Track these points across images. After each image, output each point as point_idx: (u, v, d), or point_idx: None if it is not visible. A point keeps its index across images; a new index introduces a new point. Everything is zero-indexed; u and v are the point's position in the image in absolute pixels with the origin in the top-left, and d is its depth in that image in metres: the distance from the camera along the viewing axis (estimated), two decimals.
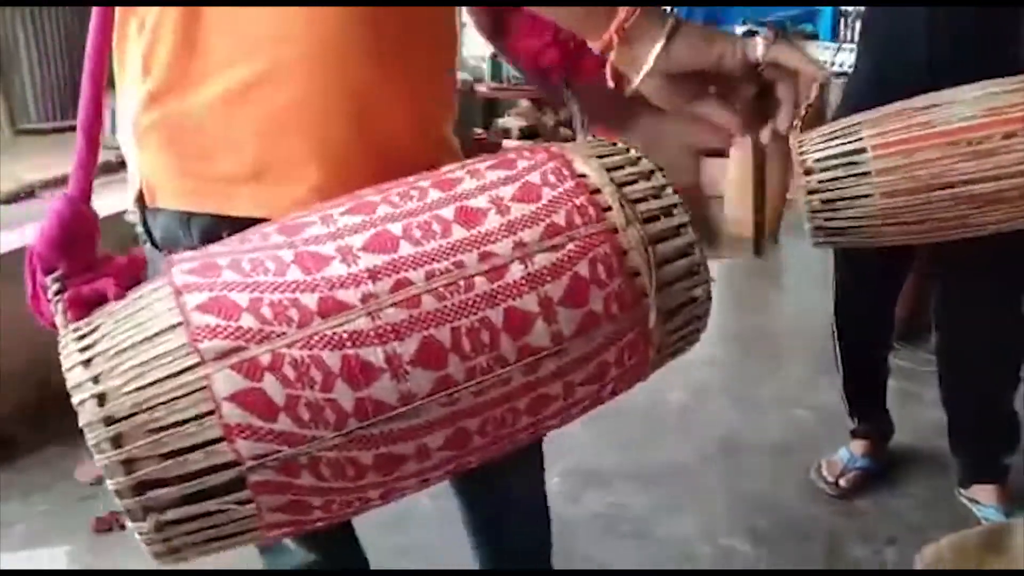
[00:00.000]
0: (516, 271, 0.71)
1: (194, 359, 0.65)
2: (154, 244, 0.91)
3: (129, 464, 0.64)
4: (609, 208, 0.76)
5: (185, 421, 0.64)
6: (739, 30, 6.47)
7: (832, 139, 1.63)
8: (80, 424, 0.64)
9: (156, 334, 0.66)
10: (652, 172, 0.81)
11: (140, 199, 0.92)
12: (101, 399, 0.64)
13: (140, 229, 0.95)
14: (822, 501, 2.04)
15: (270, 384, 0.65)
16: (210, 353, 0.65)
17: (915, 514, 2.00)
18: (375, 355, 0.66)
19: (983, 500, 1.95)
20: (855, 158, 1.59)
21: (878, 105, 1.63)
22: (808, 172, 1.62)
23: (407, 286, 0.68)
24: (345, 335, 0.66)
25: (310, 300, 0.67)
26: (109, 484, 0.64)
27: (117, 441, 0.64)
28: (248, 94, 0.83)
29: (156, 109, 0.86)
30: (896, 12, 1.75)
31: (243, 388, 0.64)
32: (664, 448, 2.25)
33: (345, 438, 0.66)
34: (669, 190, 0.80)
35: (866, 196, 1.57)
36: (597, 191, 0.77)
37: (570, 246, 0.74)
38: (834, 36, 7.02)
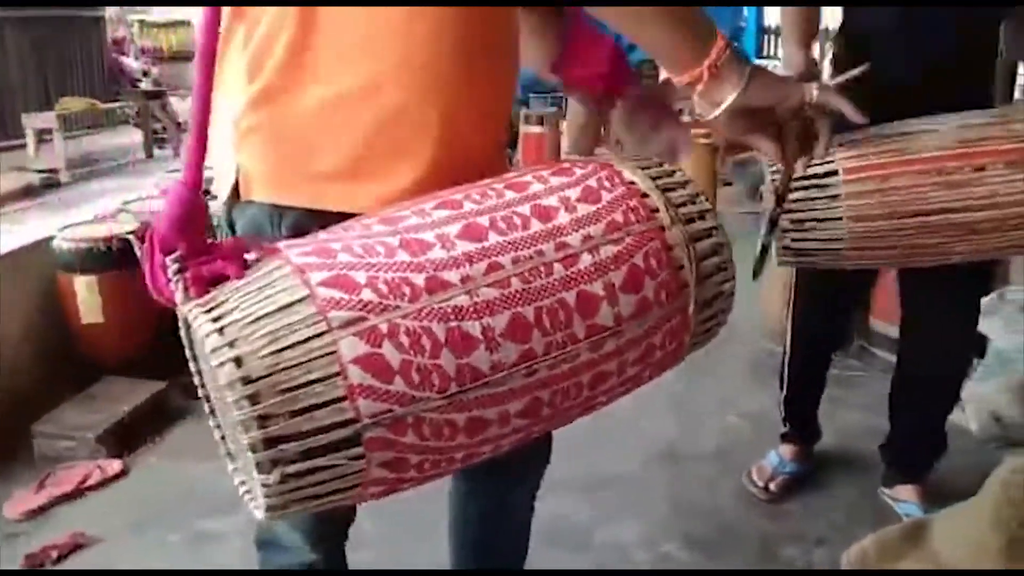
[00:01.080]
0: (586, 260, 0.83)
1: (323, 327, 0.73)
2: (232, 234, 0.99)
3: (263, 420, 0.71)
4: (656, 210, 0.89)
5: (314, 381, 0.72)
6: None
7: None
8: (220, 383, 0.71)
9: (285, 306, 0.74)
10: (687, 182, 0.94)
11: (233, 194, 0.98)
12: (238, 362, 0.72)
13: (224, 224, 1.02)
14: (754, 505, 2.11)
15: (388, 350, 0.74)
16: (337, 321, 0.73)
17: (841, 514, 2.07)
18: (474, 328, 0.76)
19: (904, 498, 2.03)
20: (827, 180, 1.57)
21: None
22: None
23: (498, 269, 0.79)
24: (449, 310, 0.76)
25: (419, 279, 0.77)
26: (244, 439, 0.71)
27: (254, 399, 0.71)
28: (349, 101, 0.90)
29: (260, 111, 0.93)
30: (872, 35, 1.73)
31: (366, 353, 0.73)
32: (606, 459, 2.29)
33: (447, 401, 0.76)
34: (702, 197, 0.93)
35: (835, 219, 1.56)
36: (645, 195, 0.90)
37: (628, 240, 0.86)
38: (758, 53, 7.28)
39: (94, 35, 6.85)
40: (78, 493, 2.15)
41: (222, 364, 0.71)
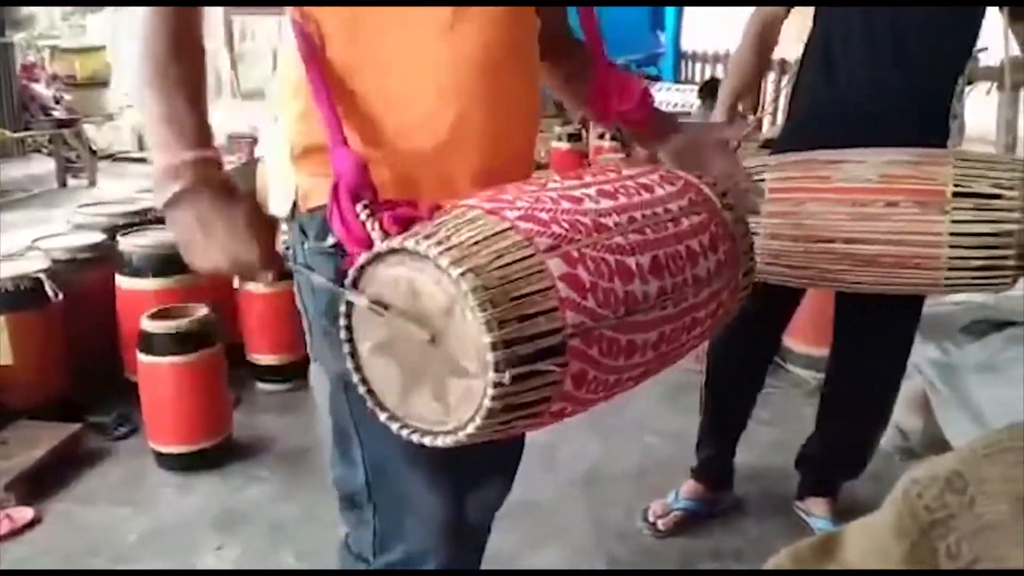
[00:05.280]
0: (685, 223, 1.00)
1: (531, 250, 0.84)
2: (306, 240, 1.06)
3: (501, 324, 0.80)
4: (709, 198, 1.08)
5: (535, 292, 0.82)
6: None
7: None
8: (466, 290, 0.80)
9: (495, 234, 0.85)
10: (715, 182, 1.13)
11: (294, 209, 1.07)
12: (476, 273, 0.81)
13: (295, 236, 1.09)
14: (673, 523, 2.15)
15: (582, 271, 0.86)
16: (542, 246, 0.85)
17: (758, 528, 2.14)
18: (631, 263, 0.91)
19: (816, 512, 2.11)
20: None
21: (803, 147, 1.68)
22: None
23: (636, 220, 0.95)
24: (614, 245, 0.90)
25: (587, 220, 0.90)
26: (486, 338, 0.79)
27: (494, 303, 0.80)
28: (401, 114, 1.00)
29: (312, 129, 1.00)
30: (826, 67, 1.75)
31: (568, 272, 0.85)
32: (526, 484, 2.29)
33: (618, 320, 0.88)
34: (728, 194, 1.12)
35: (753, 234, 1.64)
36: (696, 184, 1.09)
37: (704, 213, 1.04)
38: (676, 78, 7.48)
39: (3, 61, 6.62)
40: None
41: (464, 273, 0.80)
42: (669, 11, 7.31)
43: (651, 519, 2.14)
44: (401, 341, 0.88)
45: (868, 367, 1.94)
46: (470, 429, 0.84)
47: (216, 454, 2.46)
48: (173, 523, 2.19)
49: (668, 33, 7.55)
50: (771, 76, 6.24)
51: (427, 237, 0.83)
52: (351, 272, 0.89)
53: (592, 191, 0.96)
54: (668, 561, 2.03)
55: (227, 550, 2.07)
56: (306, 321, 1.14)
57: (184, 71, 0.91)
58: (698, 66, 7.56)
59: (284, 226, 1.10)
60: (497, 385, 0.80)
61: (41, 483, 2.31)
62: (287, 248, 1.12)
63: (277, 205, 1.10)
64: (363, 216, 0.88)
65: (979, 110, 3.54)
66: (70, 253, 2.84)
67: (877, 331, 1.88)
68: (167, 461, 2.45)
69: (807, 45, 1.83)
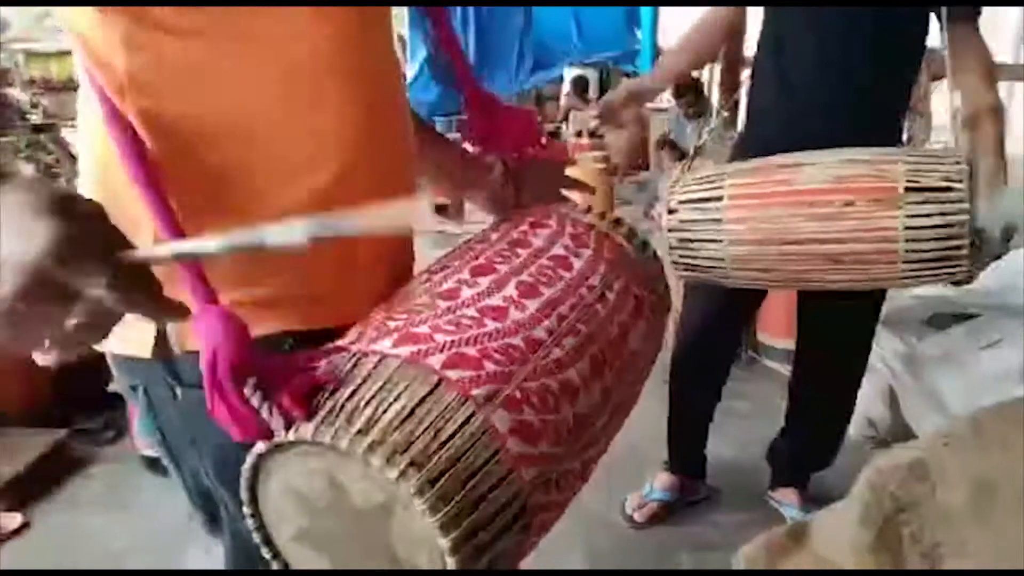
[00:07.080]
0: (610, 296, 0.88)
1: (471, 408, 0.70)
2: (180, 386, 0.84)
3: (456, 518, 0.67)
4: (622, 245, 0.97)
5: (486, 462, 0.69)
6: (568, 72, 6.82)
7: (700, 183, 1.73)
8: (411, 492, 0.66)
9: (424, 397, 0.70)
10: (619, 219, 1.02)
11: (161, 348, 0.83)
12: (417, 466, 0.66)
13: (156, 379, 0.85)
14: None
15: (528, 414, 0.73)
16: (480, 398, 0.71)
17: (734, 519, 2.20)
18: (572, 376, 0.78)
19: (787, 502, 2.17)
20: (712, 204, 1.67)
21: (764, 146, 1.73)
22: (671, 211, 1.72)
23: (566, 318, 0.82)
24: (553, 363, 0.77)
25: (519, 341, 0.77)
26: (444, 542, 0.66)
27: (445, 497, 0.67)
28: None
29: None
30: (790, 66, 1.80)
31: (514, 422, 0.72)
32: None
33: (570, 450, 0.77)
34: (636, 232, 1.02)
35: (716, 241, 1.66)
36: (607, 235, 0.97)
37: (622, 274, 0.92)
38: None
39: None
40: None
41: (404, 473, 0.65)
42: (645, 8, 7.35)
43: (629, 511, 2.20)
44: (325, 533, 0.74)
45: (831, 362, 2.00)
46: None
47: None
48: (161, 526, 2.22)
49: (644, 30, 7.60)
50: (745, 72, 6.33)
51: (349, 421, 0.67)
52: (248, 462, 0.72)
53: (513, 290, 0.82)
54: (646, 551, 2.09)
55: (217, 551, 2.11)
56: (181, 476, 0.97)
57: None
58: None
59: (122, 368, 0.87)
60: None
61: (29, 489, 2.33)
62: (133, 388, 0.88)
63: (124, 339, 0.82)
64: (255, 401, 0.69)
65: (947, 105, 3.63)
66: None
67: (838, 325, 1.94)
68: (154, 464, 2.48)
69: (759, 45, 1.87)
